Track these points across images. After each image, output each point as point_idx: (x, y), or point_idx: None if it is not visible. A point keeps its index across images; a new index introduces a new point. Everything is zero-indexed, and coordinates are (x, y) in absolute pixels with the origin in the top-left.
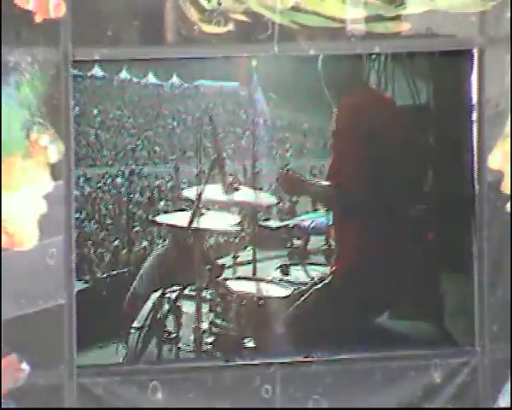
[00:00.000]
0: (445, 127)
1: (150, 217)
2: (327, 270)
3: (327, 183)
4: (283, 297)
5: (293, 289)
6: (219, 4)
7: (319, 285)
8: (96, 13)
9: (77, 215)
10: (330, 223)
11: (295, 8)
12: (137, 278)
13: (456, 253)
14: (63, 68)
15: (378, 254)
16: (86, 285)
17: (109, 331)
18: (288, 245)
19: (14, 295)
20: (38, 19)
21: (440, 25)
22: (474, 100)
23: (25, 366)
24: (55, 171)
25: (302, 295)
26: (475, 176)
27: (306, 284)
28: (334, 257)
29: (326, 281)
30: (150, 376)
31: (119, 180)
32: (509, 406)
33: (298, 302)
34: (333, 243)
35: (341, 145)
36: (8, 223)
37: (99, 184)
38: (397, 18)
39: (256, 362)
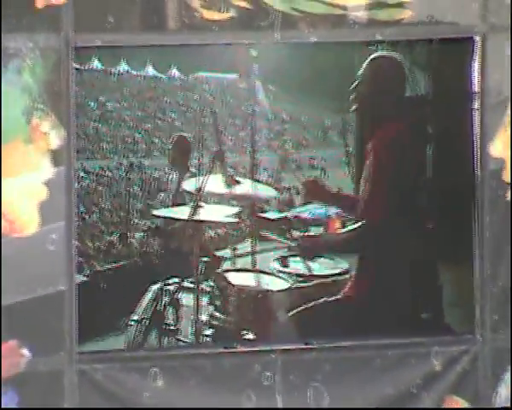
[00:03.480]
0: (446, 115)
1: (151, 211)
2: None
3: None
4: (282, 290)
5: (292, 281)
6: None
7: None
8: None
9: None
10: (328, 214)
11: None
12: None
13: (456, 241)
14: (64, 54)
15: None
16: (86, 279)
17: (109, 324)
18: (288, 237)
19: (14, 281)
20: (40, 4)
21: (442, 12)
22: (476, 88)
23: (25, 352)
24: (55, 157)
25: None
26: (476, 164)
27: (305, 276)
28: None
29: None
30: (150, 362)
31: (118, 173)
32: (509, 401)
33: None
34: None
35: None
36: (8, 209)
37: (98, 177)
38: (399, 5)
39: (256, 349)
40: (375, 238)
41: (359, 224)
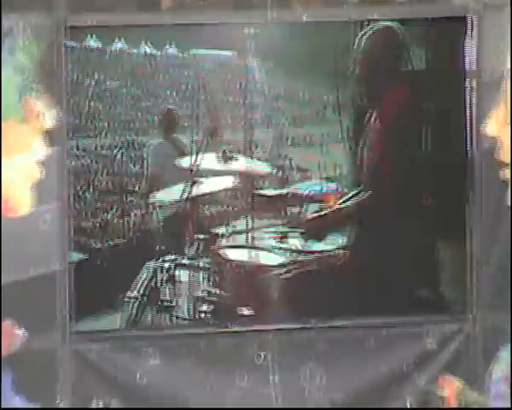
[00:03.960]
0: (440, 94)
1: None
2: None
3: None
4: (279, 265)
5: (289, 257)
6: None
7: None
8: None
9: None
10: (325, 191)
11: None
12: None
13: (451, 220)
14: (57, 34)
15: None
16: (81, 257)
17: (105, 302)
18: (285, 213)
19: (7, 261)
20: None
21: None
22: (469, 66)
23: (19, 331)
24: (49, 137)
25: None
26: (471, 143)
27: (302, 252)
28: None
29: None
30: (145, 342)
31: (113, 151)
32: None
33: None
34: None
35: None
36: (2, 189)
37: (94, 156)
38: None
39: (252, 328)
40: (378, 210)
41: (362, 195)
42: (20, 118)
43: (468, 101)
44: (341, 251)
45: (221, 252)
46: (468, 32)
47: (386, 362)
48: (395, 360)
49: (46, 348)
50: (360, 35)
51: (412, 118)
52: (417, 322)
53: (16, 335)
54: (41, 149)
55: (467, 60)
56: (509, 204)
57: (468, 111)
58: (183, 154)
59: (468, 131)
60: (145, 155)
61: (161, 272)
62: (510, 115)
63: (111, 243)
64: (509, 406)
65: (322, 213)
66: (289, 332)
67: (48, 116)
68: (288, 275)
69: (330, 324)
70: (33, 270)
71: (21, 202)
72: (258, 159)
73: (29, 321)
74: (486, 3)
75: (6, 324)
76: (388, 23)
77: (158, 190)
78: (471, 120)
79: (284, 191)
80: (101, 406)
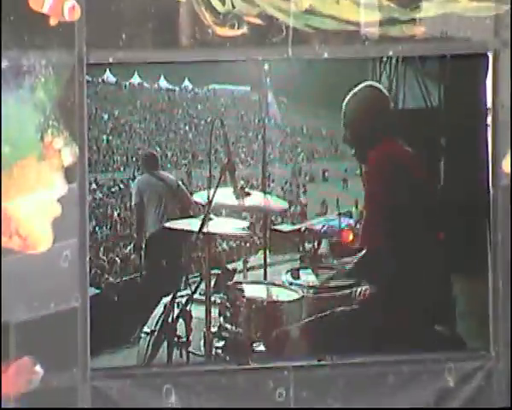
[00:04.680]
0: (459, 131)
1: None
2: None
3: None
4: (293, 301)
5: (302, 293)
6: (233, 7)
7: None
8: (111, 16)
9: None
10: (341, 226)
11: (309, 12)
12: None
13: (470, 256)
14: (77, 71)
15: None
16: (98, 291)
17: (122, 336)
18: (300, 249)
19: (27, 297)
20: (53, 22)
21: (455, 28)
22: (489, 103)
23: (38, 368)
24: (69, 174)
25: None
26: (490, 179)
27: (317, 288)
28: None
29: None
30: (163, 379)
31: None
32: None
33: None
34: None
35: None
36: (21, 226)
37: (112, 189)
38: (411, 21)
39: (269, 365)
40: (383, 261)
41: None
42: (39, 155)
43: (487, 138)
44: (359, 287)
45: (236, 287)
46: (488, 68)
47: (407, 399)
48: (416, 397)
49: (66, 386)
50: (348, 96)
51: (416, 158)
52: (438, 359)
53: (35, 372)
54: (61, 186)
55: (486, 97)
56: None
57: (487, 148)
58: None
59: (487, 167)
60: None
61: (177, 307)
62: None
63: (126, 277)
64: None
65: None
66: (307, 369)
67: (67, 153)
68: (303, 310)
69: (348, 360)
70: (53, 306)
71: (41, 238)
72: (274, 194)
73: (49, 358)
74: (505, 40)
75: (25, 360)
76: (372, 83)
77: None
78: (490, 156)
79: (300, 227)
80: None
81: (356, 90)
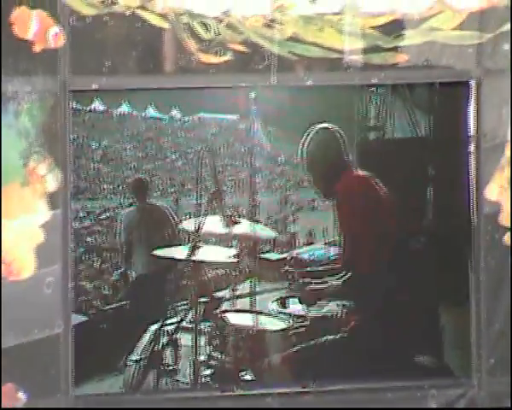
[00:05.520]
0: (442, 159)
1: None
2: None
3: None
4: (280, 330)
5: (290, 321)
6: (218, 34)
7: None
8: (95, 43)
9: (75, 248)
10: (330, 256)
11: (293, 39)
12: None
13: (454, 284)
14: (62, 97)
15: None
16: (85, 318)
17: (107, 364)
18: (288, 278)
19: (10, 324)
20: (37, 48)
21: (438, 56)
22: (472, 131)
23: (21, 395)
24: (52, 200)
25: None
26: (472, 208)
27: (304, 317)
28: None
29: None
30: (148, 405)
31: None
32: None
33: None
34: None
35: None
36: (5, 252)
37: (100, 217)
38: (394, 49)
39: (253, 392)
40: (368, 287)
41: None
42: (22, 181)
43: (470, 166)
44: (343, 316)
45: (224, 316)
46: (470, 96)
47: None
48: None
49: None
50: (307, 138)
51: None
52: (422, 386)
53: (18, 398)
54: (44, 212)
55: (468, 124)
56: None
57: (470, 176)
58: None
59: (471, 195)
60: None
61: (164, 335)
62: (510, 179)
63: (113, 305)
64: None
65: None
66: (291, 396)
67: (51, 179)
68: (290, 339)
69: (332, 387)
70: (36, 333)
71: (24, 264)
72: (262, 223)
73: (32, 385)
74: (488, 69)
75: (8, 387)
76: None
77: (162, 252)
78: (473, 184)
79: (287, 256)
80: None
81: (310, 134)
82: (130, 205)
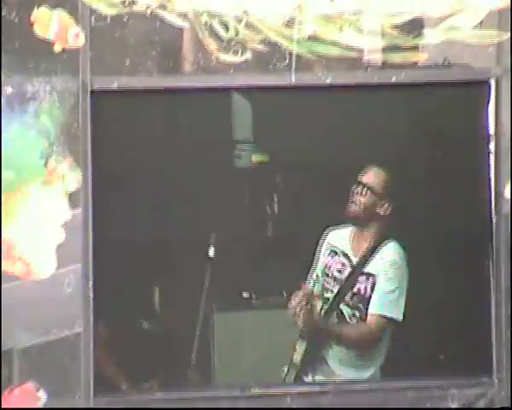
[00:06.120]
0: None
1: None
2: None
3: None
4: None
5: None
6: (237, 34)
7: None
8: (115, 43)
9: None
10: None
11: (313, 38)
12: None
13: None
14: (82, 97)
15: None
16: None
17: None
18: None
19: (30, 323)
20: (57, 48)
21: (457, 55)
22: (491, 130)
23: (41, 394)
24: (72, 199)
25: None
26: (492, 207)
27: None
28: None
29: None
30: (166, 405)
31: None
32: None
33: None
34: None
35: None
36: (25, 251)
37: None
38: (414, 48)
39: (271, 392)
40: None
41: None
42: (43, 181)
43: (490, 165)
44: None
45: None
46: (490, 95)
47: None
48: None
49: None
50: None
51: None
52: (441, 385)
53: (38, 397)
54: (65, 212)
55: (488, 124)
56: None
57: (489, 176)
58: None
59: (491, 195)
60: None
61: None
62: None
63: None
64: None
65: None
66: (310, 396)
67: (71, 179)
68: None
69: (350, 387)
70: (56, 332)
71: (44, 264)
72: None
73: (52, 384)
74: (507, 68)
75: (28, 386)
76: None
77: None
78: (493, 183)
79: None
80: None
81: None
82: None
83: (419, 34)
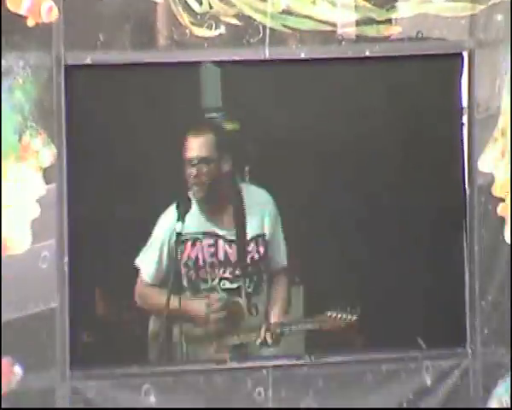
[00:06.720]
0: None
1: None
2: None
3: None
4: None
5: None
6: (211, 8)
7: None
8: (88, 17)
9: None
10: None
11: (286, 12)
12: None
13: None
14: (55, 72)
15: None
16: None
17: None
18: None
19: (6, 299)
20: (31, 23)
21: (431, 28)
22: (464, 103)
23: (17, 369)
24: (47, 174)
25: None
26: (466, 179)
27: None
28: None
29: None
30: (142, 379)
31: None
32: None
33: None
34: None
35: None
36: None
37: None
38: (387, 21)
39: (248, 365)
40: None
41: None
42: (17, 156)
43: (464, 137)
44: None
45: None
46: (463, 68)
47: (385, 397)
48: (394, 395)
49: (45, 386)
50: None
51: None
52: (415, 357)
53: (14, 372)
54: (39, 187)
55: (461, 96)
56: (509, 240)
57: (463, 147)
58: None
59: (464, 167)
60: None
61: None
62: (510, 150)
63: None
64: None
65: None
66: (286, 368)
67: (45, 154)
68: None
69: (328, 359)
70: (32, 307)
71: (19, 240)
72: None
73: (28, 359)
74: (481, 40)
75: (4, 361)
76: None
77: None
78: (466, 155)
79: None
80: None
81: None
82: None
83: (392, 7)
